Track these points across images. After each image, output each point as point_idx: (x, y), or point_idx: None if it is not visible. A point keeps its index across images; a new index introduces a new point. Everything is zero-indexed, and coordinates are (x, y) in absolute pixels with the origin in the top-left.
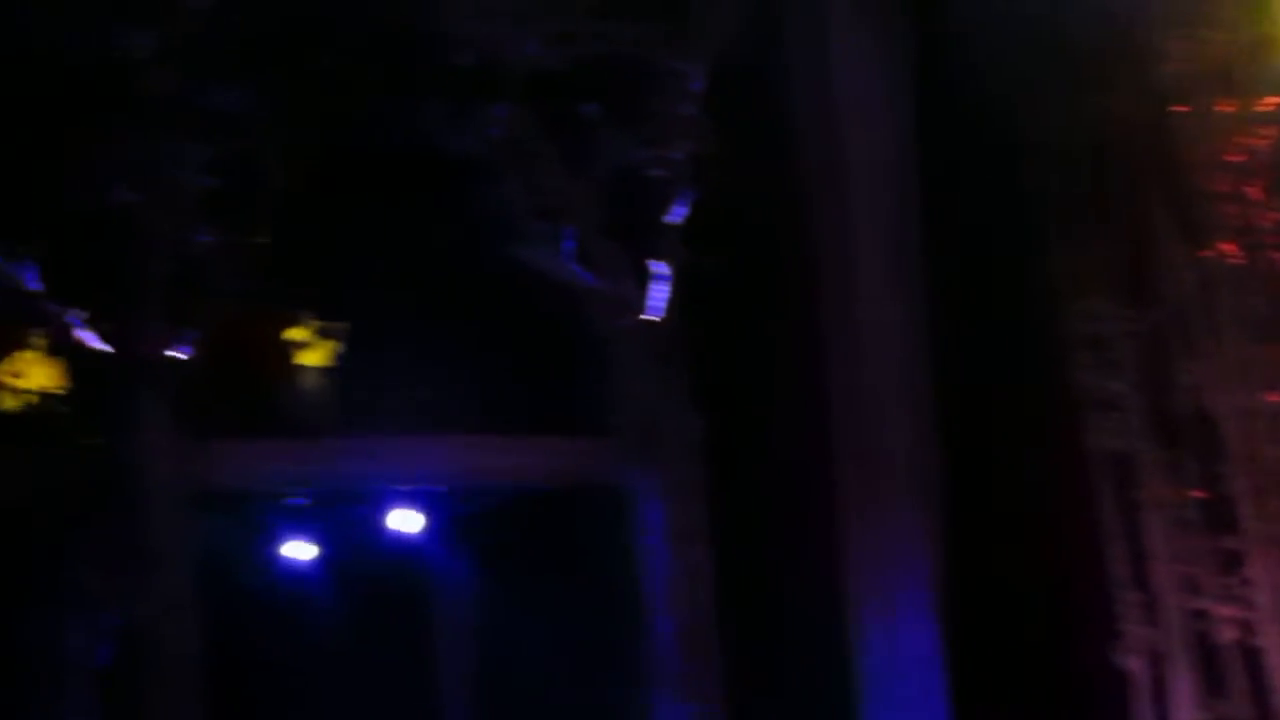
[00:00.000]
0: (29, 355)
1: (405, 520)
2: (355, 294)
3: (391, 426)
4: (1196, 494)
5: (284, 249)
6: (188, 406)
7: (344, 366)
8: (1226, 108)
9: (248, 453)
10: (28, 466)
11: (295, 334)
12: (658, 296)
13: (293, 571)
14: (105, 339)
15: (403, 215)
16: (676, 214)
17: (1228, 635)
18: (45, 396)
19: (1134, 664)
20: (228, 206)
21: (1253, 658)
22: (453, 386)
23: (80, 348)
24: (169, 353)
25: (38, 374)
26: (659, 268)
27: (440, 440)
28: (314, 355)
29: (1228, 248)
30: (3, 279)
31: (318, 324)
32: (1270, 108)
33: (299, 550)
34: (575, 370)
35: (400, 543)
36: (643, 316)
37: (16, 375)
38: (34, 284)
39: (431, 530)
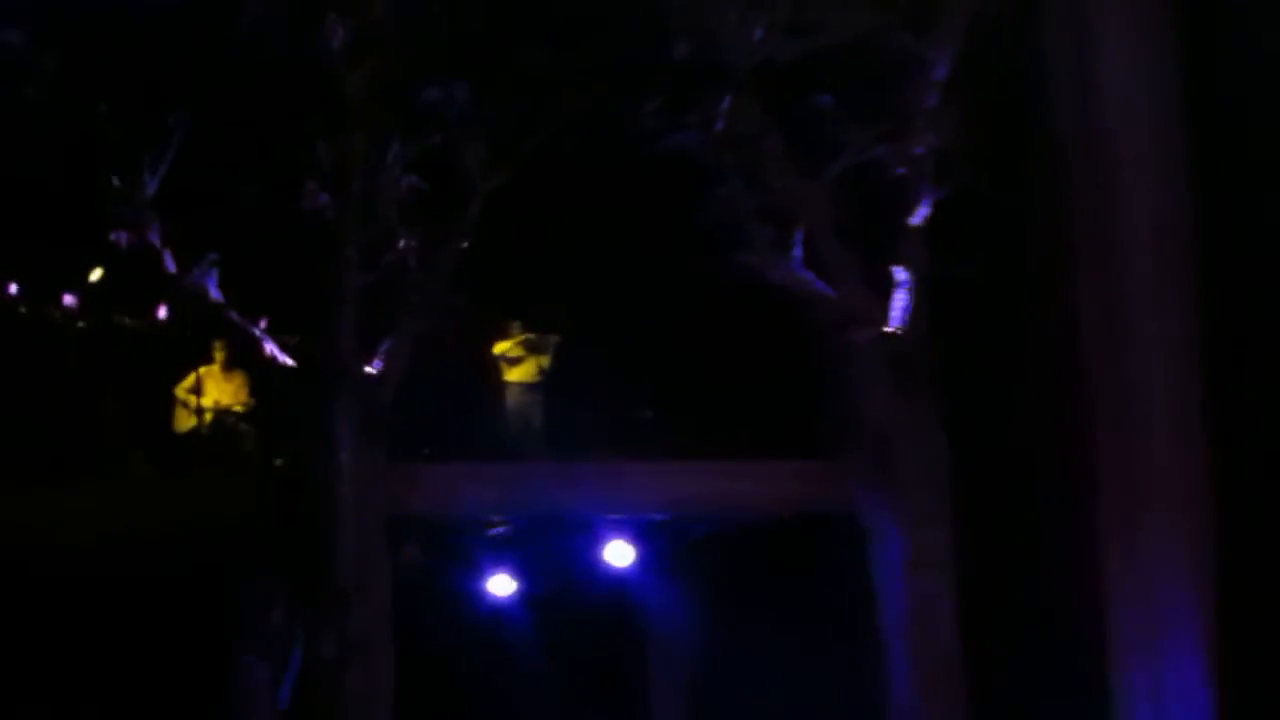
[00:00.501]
0: (210, 370)
1: (617, 553)
2: (565, 305)
3: (603, 450)
4: None
5: (490, 256)
6: (383, 426)
7: (552, 383)
8: None
9: (447, 477)
10: (208, 491)
11: (501, 347)
12: (898, 305)
13: (494, 607)
14: (294, 353)
15: (617, 220)
16: (918, 215)
17: None
18: (227, 415)
19: None
20: (429, 210)
21: None
22: (669, 406)
23: (268, 362)
24: (364, 368)
25: (218, 390)
26: (899, 274)
27: (655, 465)
28: (520, 371)
29: None
30: (187, 287)
31: (525, 337)
32: None
33: (501, 584)
34: (805, 388)
35: (611, 577)
36: (881, 328)
37: (197, 393)
38: (216, 293)
39: (645, 563)
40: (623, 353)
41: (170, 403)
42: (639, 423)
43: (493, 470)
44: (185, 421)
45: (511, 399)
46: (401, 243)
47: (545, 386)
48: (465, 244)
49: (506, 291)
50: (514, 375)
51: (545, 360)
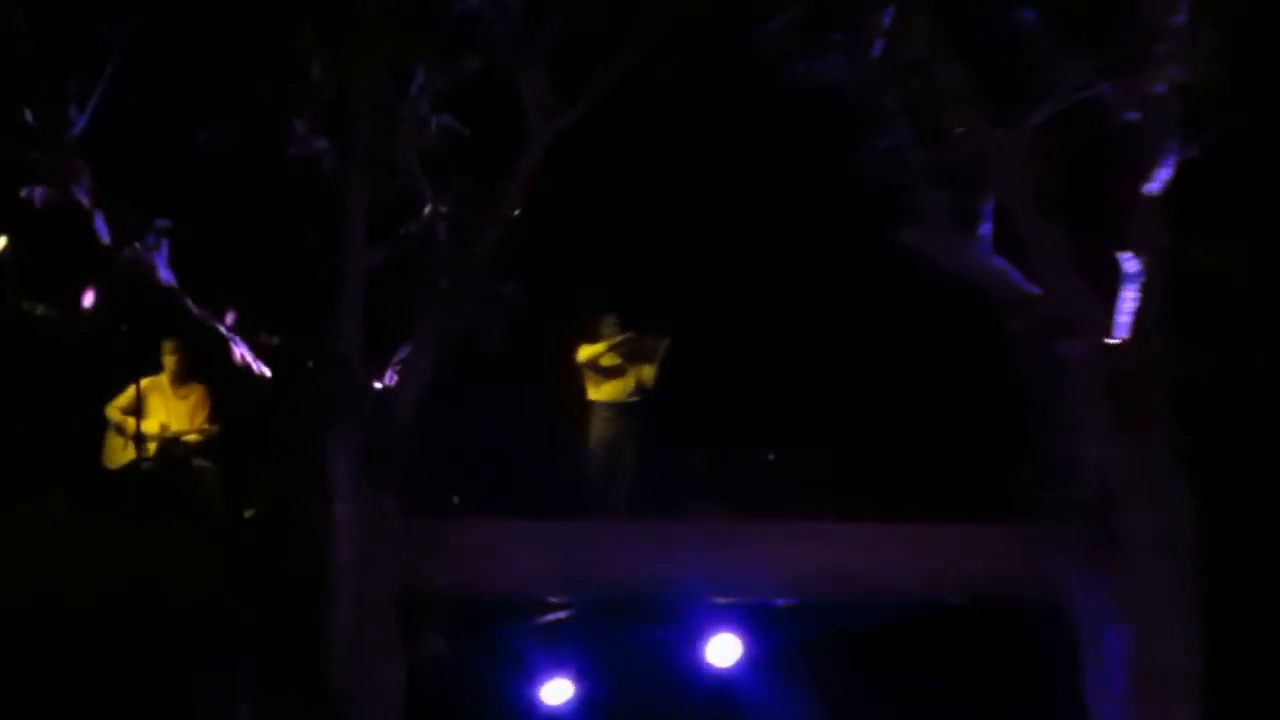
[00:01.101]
0: (156, 382)
1: (721, 649)
2: (653, 301)
3: (707, 505)
4: None
5: (553, 227)
6: (397, 464)
7: (648, 405)
8: None
9: (486, 538)
10: (152, 547)
11: (589, 352)
12: (1126, 307)
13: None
14: (275, 359)
15: (730, 182)
16: (1157, 180)
17: None
18: (178, 444)
19: None
20: (467, 163)
21: None
22: (797, 446)
23: (238, 372)
24: (372, 381)
25: (167, 410)
26: (1128, 262)
27: (778, 527)
28: (613, 387)
29: None
30: (127, 263)
31: (625, 337)
32: None
33: (557, 690)
34: (991, 422)
35: (711, 681)
36: (1102, 337)
37: (136, 414)
38: (167, 273)
39: (757, 663)
40: (735, 371)
41: (101, 426)
42: (757, 468)
43: (551, 531)
44: (120, 452)
45: (598, 427)
46: (428, 207)
47: (642, 410)
48: (517, 210)
49: (577, 278)
50: (602, 392)
51: (650, 373)
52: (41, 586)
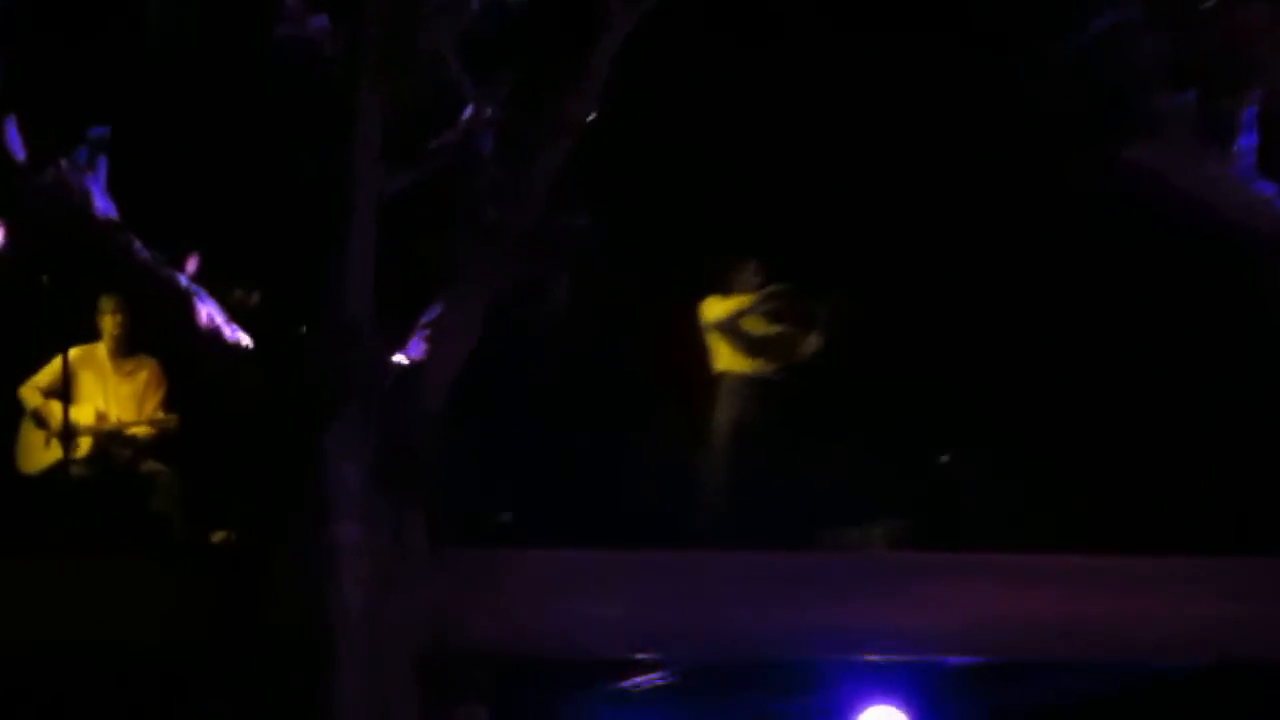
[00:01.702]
0: (90, 354)
1: None
2: (810, 245)
3: (865, 528)
4: None
5: (651, 150)
6: (422, 471)
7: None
8: None
9: (547, 573)
10: (84, 583)
11: (721, 309)
12: None
13: None
14: (255, 324)
15: (893, 82)
16: None
17: None
18: (120, 441)
19: None
20: (521, 50)
21: None
22: (989, 446)
23: (203, 342)
24: (390, 355)
25: (104, 394)
26: None
27: (963, 561)
28: (756, 356)
29: None
30: (51, 190)
31: (774, 289)
32: None
33: None
34: (1264, 415)
35: None
36: None
37: (63, 396)
38: (106, 202)
39: None
40: (903, 343)
41: (13, 414)
42: (936, 477)
43: (638, 564)
44: (40, 451)
45: (728, 408)
46: (468, 110)
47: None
48: (591, 114)
49: (676, 210)
50: (739, 362)
51: (811, 343)
52: None
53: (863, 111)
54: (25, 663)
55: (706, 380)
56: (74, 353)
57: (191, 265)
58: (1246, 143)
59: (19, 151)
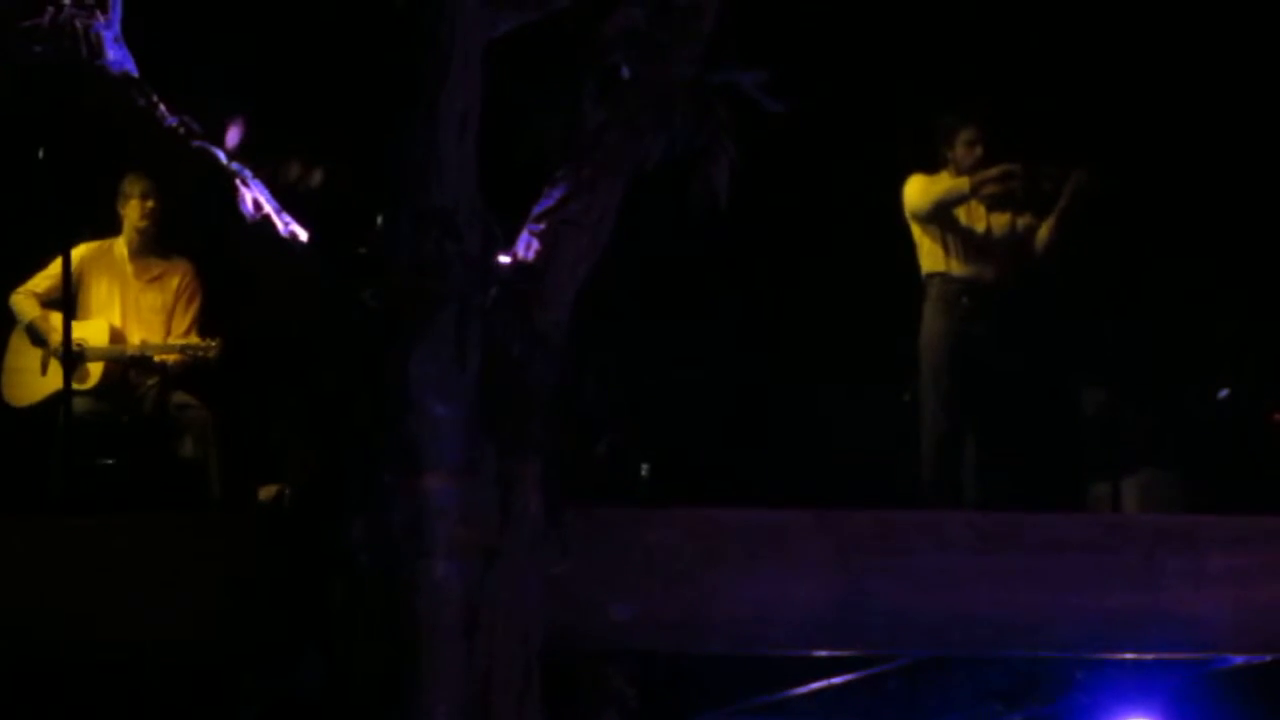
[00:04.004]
0: (104, 251)
1: None
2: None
3: (1124, 488)
4: None
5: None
6: (540, 407)
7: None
8: None
9: (702, 543)
10: (97, 554)
11: (936, 189)
12: None
13: None
14: (317, 213)
15: None
16: None
17: None
18: (145, 365)
19: None
20: None
21: None
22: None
23: (250, 236)
24: (495, 254)
25: (122, 302)
26: None
27: (1255, 526)
28: (962, 258)
29: None
30: (58, 38)
31: (1005, 169)
32: None
33: None
34: None
35: None
36: None
37: (67, 306)
38: (123, 54)
39: None
40: (1170, 233)
41: (2, 327)
42: (1211, 416)
43: (822, 531)
44: (33, 379)
45: (938, 320)
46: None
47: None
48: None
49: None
50: (955, 263)
51: (1045, 232)
52: None
53: None
54: (14, 651)
55: (909, 288)
56: (82, 250)
57: (233, 136)
58: None
59: None
